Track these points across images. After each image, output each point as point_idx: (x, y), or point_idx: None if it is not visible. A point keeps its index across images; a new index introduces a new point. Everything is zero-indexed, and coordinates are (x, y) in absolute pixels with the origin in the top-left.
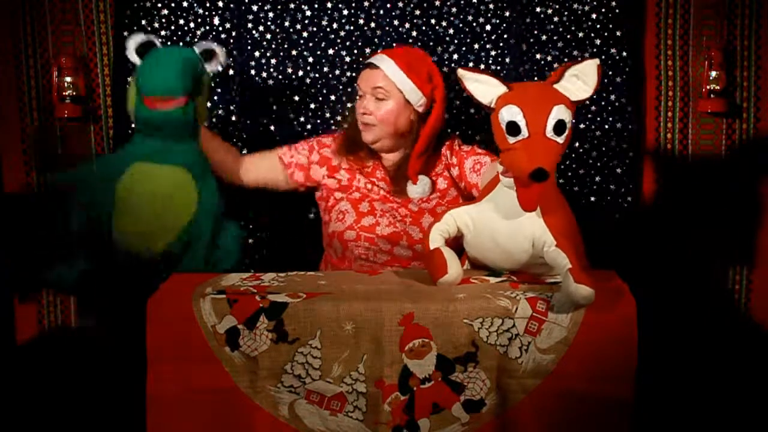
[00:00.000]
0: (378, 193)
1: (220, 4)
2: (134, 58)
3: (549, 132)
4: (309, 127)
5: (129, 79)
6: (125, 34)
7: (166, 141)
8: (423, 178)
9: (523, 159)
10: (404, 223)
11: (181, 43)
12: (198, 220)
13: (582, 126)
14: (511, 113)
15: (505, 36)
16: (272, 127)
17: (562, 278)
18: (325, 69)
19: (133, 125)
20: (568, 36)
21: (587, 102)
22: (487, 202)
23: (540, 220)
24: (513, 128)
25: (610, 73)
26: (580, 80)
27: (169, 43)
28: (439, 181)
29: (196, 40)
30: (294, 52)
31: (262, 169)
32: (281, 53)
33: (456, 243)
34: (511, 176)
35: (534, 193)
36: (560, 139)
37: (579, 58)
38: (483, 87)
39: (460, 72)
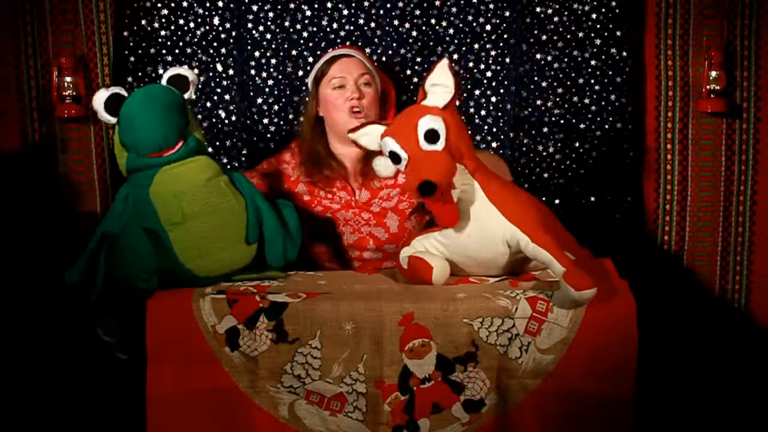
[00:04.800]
0: (339, 201)
1: (220, 4)
2: (107, 118)
3: (423, 144)
4: None
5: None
6: (125, 34)
7: None
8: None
9: (410, 181)
10: (369, 226)
11: (194, 41)
12: (253, 197)
13: (582, 126)
14: (388, 145)
15: (505, 36)
16: (272, 128)
17: (561, 285)
18: None
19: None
20: (568, 36)
21: (465, 98)
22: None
23: (504, 221)
24: (395, 157)
25: (610, 73)
26: (438, 86)
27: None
28: (399, 177)
29: (195, 39)
30: (294, 52)
31: None
32: (281, 53)
33: None
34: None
35: (448, 207)
36: (437, 146)
37: (579, 58)
38: (370, 136)
39: (351, 136)
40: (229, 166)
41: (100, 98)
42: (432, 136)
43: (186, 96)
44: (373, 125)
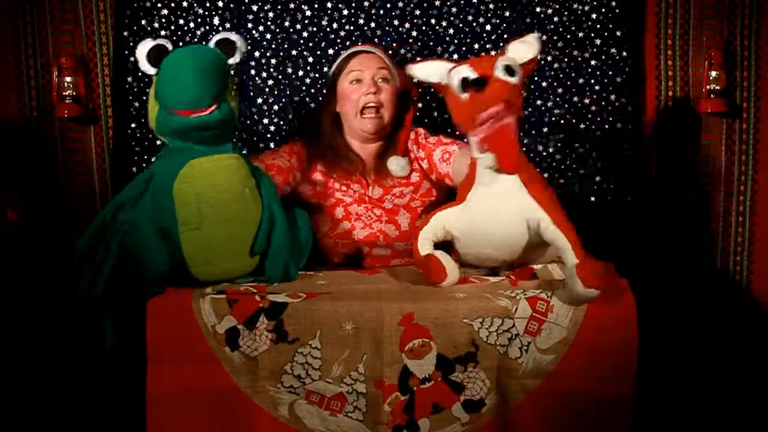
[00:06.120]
0: (353, 195)
1: (220, 4)
2: (148, 68)
3: (499, 72)
4: None
5: (147, 91)
6: (125, 34)
7: (207, 146)
8: (402, 158)
9: (473, 99)
10: (380, 222)
11: (194, 41)
12: (270, 206)
13: (582, 126)
14: (460, 71)
15: (505, 36)
16: (272, 128)
17: (569, 276)
18: (325, 69)
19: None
20: (568, 36)
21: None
22: (471, 199)
23: (529, 198)
24: (465, 83)
25: (610, 73)
26: (521, 43)
27: (172, 44)
28: (412, 175)
29: (195, 39)
30: (294, 52)
31: None
32: (281, 53)
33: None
34: (484, 149)
35: (511, 148)
36: (513, 79)
37: (579, 58)
38: (430, 69)
39: (410, 67)
40: None
41: (143, 48)
42: (509, 70)
43: (231, 61)
44: (438, 61)
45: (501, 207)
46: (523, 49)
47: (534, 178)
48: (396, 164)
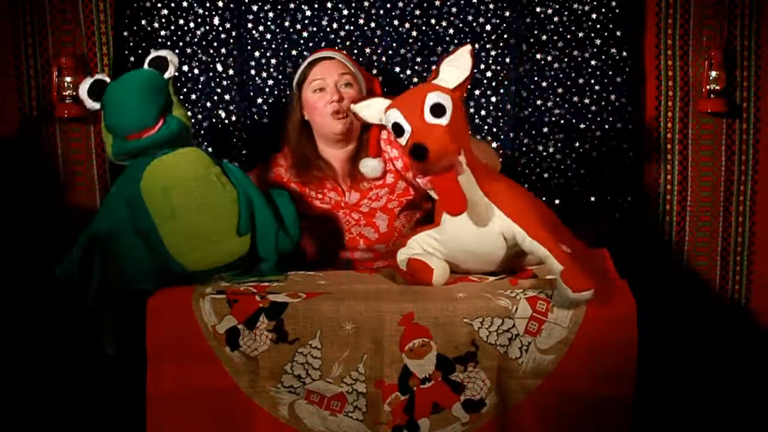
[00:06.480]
0: (330, 202)
1: (220, 4)
2: (91, 104)
3: (427, 117)
4: None
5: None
6: (125, 34)
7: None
8: (374, 159)
9: (409, 147)
10: (359, 226)
11: (194, 40)
12: (245, 188)
13: (582, 126)
14: (391, 117)
15: (505, 36)
16: (272, 128)
17: (558, 285)
18: None
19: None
20: (568, 36)
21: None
22: (445, 221)
23: (500, 214)
24: (398, 129)
25: (610, 73)
26: (454, 66)
27: (170, 43)
28: (387, 176)
29: (195, 39)
30: (294, 52)
31: None
32: (281, 53)
33: None
34: (430, 185)
35: (454, 192)
36: (442, 121)
37: (579, 58)
38: (372, 109)
39: (353, 107)
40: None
41: (84, 86)
42: (438, 110)
43: (165, 76)
44: (376, 98)
45: (475, 227)
46: (456, 73)
47: (500, 188)
48: (367, 166)
